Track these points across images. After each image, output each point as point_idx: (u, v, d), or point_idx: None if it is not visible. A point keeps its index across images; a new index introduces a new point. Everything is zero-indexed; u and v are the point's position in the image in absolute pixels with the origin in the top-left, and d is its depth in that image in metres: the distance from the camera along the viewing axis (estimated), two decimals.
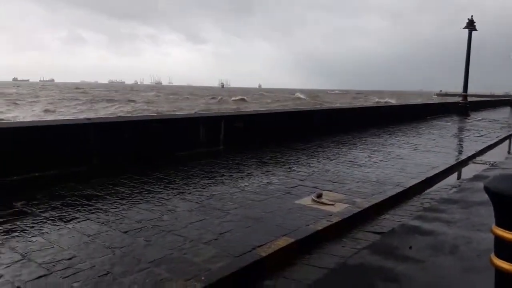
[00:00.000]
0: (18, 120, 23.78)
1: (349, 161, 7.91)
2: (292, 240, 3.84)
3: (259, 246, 3.64)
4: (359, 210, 4.85)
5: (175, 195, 5.19)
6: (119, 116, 9.37)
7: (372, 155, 8.70)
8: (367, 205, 5.03)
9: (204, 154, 8.08)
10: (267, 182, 6.00)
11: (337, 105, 39.12)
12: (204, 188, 5.56)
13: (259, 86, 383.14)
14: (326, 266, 3.59)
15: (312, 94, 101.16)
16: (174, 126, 8.12)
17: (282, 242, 3.78)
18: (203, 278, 3.02)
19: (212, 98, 69.64)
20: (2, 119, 25.19)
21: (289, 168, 7.11)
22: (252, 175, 6.48)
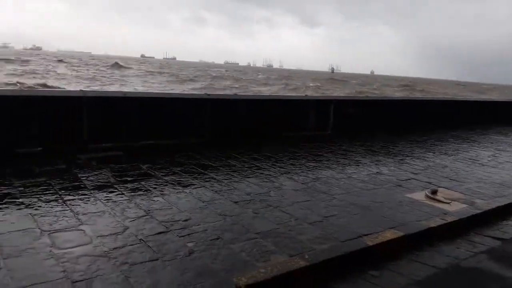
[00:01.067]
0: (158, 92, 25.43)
1: (470, 159, 7.26)
2: (401, 234, 3.67)
3: (365, 235, 3.55)
4: (479, 212, 4.44)
5: (282, 173, 5.30)
6: (236, 94, 9.73)
7: (496, 155, 7.87)
8: (487, 208, 4.58)
9: (312, 137, 8.07)
10: (377, 172, 5.80)
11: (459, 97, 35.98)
12: (310, 171, 5.58)
13: (371, 72, 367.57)
14: (436, 265, 3.38)
15: (433, 83, 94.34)
16: (284, 107, 8.22)
17: (390, 234, 3.64)
18: (306, 256, 3.05)
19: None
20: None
21: (401, 160, 6.78)
22: (360, 163, 6.31)
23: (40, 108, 5.53)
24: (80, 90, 6.50)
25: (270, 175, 5.19)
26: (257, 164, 5.65)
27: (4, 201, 3.68)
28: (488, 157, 7.59)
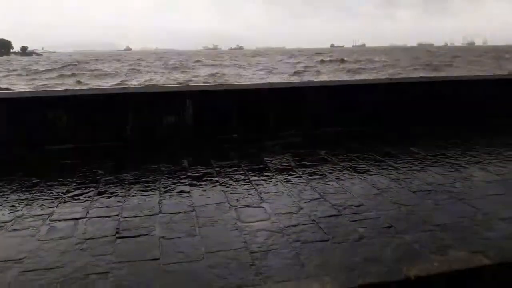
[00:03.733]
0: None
1: None
2: None
3: None
4: None
5: (473, 163, 4.76)
6: (421, 77, 9.05)
7: None
8: None
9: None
10: None
11: None
12: (509, 161, 4.85)
13: None
14: None
15: None
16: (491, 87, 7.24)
17: None
18: (492, 254, 2.72)
19: None
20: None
21: None
22: None
23: (235, 100, 6.30)
24: (268, 82, 7.10)
25: (458, 164, 4.73)
26: (443, 152, 5.21)
27: (204, 179, 4.37)
28: None
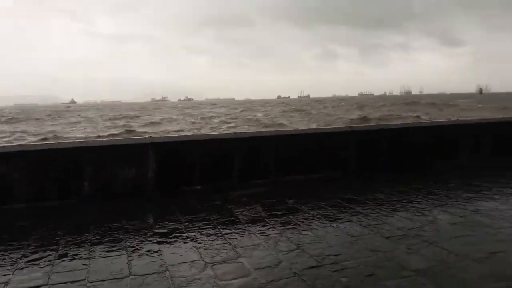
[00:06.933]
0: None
1: None
2: None
3: None
4: None
5: (435, 206, 4.93)
6: (378, 124, 9.48)
7: None
8: None
9: (464, 165, 7.36)
10: None
11: None
12: (467, 202, 5.08)
13: None
14: None
15: None
16: (428, 135, 7.69)
17: None
18: None
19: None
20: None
21: None
22: None
23: (199, 150, 6.22)
24: (234, 132, 7.13)
25: (422, 208, 4.88)
26: (406, 197, 5.37)
27: (173, 235, 4.18)
28: None
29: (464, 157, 7.72)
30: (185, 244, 3.92)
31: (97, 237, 4.17)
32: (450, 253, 3.53)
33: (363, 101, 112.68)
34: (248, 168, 6.38)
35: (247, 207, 5.07)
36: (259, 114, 55.80)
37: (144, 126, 39.92)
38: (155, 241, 4.04)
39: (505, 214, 4.55)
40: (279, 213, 4.79)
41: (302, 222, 4.45)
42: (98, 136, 27.44)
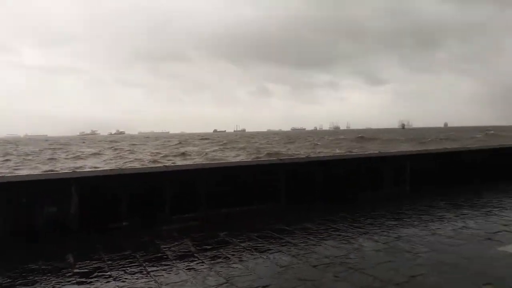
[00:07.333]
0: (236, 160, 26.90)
1: None
2: None
3: None
4: None
5: (360, 234, 5.11)
6: (308, 157, 9.77)
7: None
8: None
9: (388, 195, 7.77)
10: (462, 226, 5.40)
11: None
12: (390, 229, 5.33)
13: (445, 125, 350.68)
14: None
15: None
16: (353, 167, 8.06)
17: None
18: None
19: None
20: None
21: (488, 211, 6.27)
22: (444, 218, 5.93)
23: (125, 184, 5.96)
24: (164, 165, 6.95)
25: (348, 236, 5.03)
26: (333, 226, 5.52)
27: (94, 275, 3.91)
28: None
29: (387, 187, 8.15)
30: (107, 284, 3.68)
31: (8, 281, 3.79)
32: (376, 279, 3.64)
33: (294, 135, 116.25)
34: (180, 202, 6.21)
35: (176, 242, 4.90)
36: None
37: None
38: (74, 281, 3.76)
39: (423, 240, 4.82)
40: (209, 247, 4.69)
41: (233, 255, 4.39)
42: None
